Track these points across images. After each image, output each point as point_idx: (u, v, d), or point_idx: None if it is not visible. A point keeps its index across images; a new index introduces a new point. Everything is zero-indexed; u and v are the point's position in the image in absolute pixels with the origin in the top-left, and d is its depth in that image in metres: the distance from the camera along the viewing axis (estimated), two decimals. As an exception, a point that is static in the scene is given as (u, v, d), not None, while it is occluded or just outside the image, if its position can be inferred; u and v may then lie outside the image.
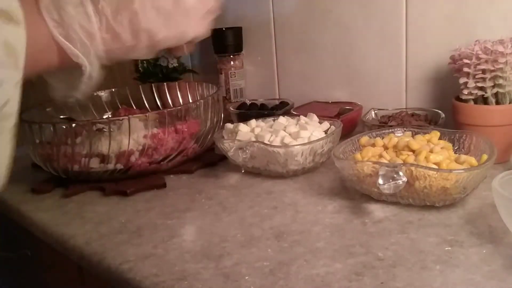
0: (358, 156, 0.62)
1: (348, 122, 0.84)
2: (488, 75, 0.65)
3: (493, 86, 0.66)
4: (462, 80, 0.67)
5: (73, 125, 0.75)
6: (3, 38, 0.35)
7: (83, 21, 0.43)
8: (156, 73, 1.15)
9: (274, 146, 0.68)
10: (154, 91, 1.01)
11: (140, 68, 1.17)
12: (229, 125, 0.78)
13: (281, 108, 0.94)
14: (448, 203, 0.56)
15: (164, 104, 1.01)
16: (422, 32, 0.83)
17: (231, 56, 1.08)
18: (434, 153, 0.57)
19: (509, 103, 0.66)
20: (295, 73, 1.05)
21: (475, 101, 0.68)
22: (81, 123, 0.80)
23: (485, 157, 0.57)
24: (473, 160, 0.58)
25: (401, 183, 0.53)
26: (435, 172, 0.53)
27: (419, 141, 0.61)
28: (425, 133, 0.65)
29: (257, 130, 0.75)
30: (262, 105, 0.99)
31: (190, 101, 0.96)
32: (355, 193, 0.63)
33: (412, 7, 0.83)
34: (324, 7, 0.95)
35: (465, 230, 0.51)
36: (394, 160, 0.59)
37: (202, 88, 0.94)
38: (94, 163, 0.73)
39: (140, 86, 1.03)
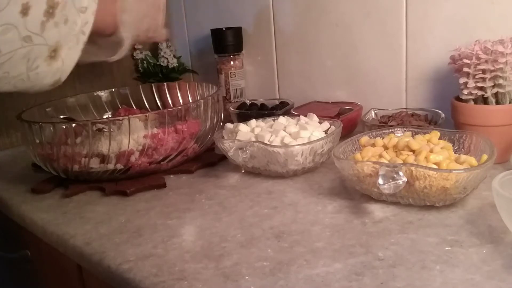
0: (358, 156, 0.62)
1: (348, 122, 0.84)
2: (488, 75, 0.65)
3: (493, 86, 0.66)
4: (462, 80, 0.67)
5: (73, 125, 0.75)
6: None
7: None
8: (156, 73, 1.15)
9: (274, 146, 0.68)
10: (154, 91, 1.01)
11: (140, 68, 1.17)
12: (229, 125, 0.78)
13: (281, 108, 0.94)
14: (448, 203, 0.56)
15: (164, 104, 1.01)
16: (422, 32, 0.83)
17: (231, 56, 1.08)
18: (434, 153, 0.57)
19: (509, 103, 0.66)
20: (295, 73, 1.05)
21: (475, 101, 0.68)
22: (81, 123, 0.80)
23: (485, 157, 0.57)
24: (473, 160, 0.58)
25: (401, 183, 0.53)
26: (435, 172, 0.53)
27: (419, 141, 0.61)
28: (425, 133, 0.65)
29: (257, 130, 0.75)
30: (262, 105, 0.99)
31: (190, 101, 0.96)
32: (355, 193, 0.63)
33: (412, 7, 0.83)
34: (324, 7, 0.95)
35: (465, 230, 0.51)
36: (394, 160, 0.59)
37: (202, 88, 0.94)
38: (94, 163, 0.73)
39: (140, 86, 1.03)
